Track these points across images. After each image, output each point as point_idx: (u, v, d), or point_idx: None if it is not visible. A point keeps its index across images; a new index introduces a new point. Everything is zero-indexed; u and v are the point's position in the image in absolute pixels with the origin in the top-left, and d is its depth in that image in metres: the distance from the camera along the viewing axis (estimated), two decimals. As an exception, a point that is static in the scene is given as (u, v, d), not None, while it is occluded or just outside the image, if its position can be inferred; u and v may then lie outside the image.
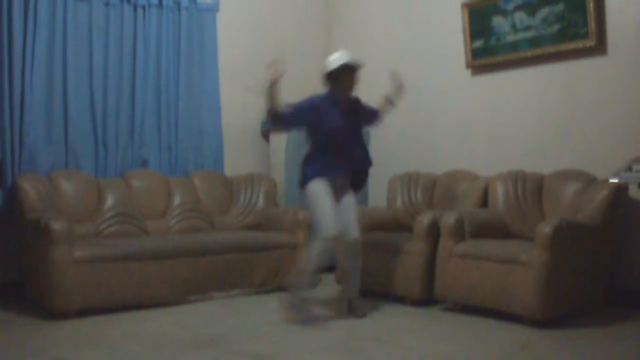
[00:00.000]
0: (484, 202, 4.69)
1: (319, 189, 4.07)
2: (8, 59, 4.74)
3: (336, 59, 4.13)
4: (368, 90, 6.09)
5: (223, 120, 5.71)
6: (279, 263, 4.93)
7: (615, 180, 3.77)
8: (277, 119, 4.09)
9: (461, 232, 4.26)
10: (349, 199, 4.21)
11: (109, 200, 4.88)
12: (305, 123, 4.16)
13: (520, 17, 4.80)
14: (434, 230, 4.40)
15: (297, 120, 4.15)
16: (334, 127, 4.09)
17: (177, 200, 5.19)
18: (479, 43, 5.08)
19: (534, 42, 4.73)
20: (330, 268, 5.45)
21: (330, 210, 4.03)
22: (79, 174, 4.93)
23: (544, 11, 4.65)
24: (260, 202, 5.47)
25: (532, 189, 4.55)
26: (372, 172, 5.98)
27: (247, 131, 5.89)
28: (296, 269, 4.17)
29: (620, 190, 4.06)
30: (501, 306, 3.96)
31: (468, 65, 5.20)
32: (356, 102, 4.32)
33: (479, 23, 5.06)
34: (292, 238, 4.96)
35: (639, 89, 4.28)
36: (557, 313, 3.85)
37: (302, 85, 5.71)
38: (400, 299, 4.52)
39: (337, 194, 4.17)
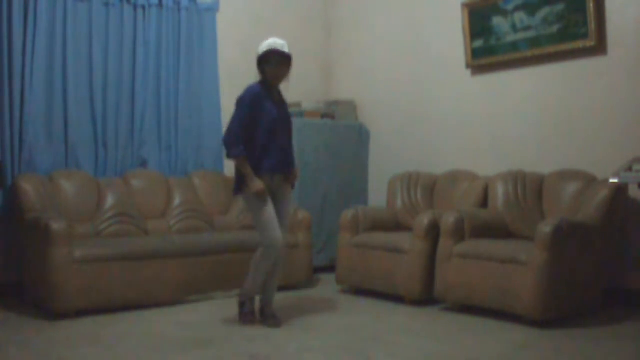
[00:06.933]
0: (484, 202, 4.69)
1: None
2: (8, 59, 4.74)
3: (267, 43, 3.87)
4: (368, 90, 6.13)
5: (223, 120, 5.69)
6: (279, 263, 4.93)
7: (615, 180, 3.78)
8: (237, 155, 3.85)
9: (461, 232, 4.26)
10: (286, 202, 4.00)
11: (109, 200, 4.88)
12: (249, 127, 3.86)
13: (520, 17, 4.80)
14: (434, 230, 4.40)
15: (248, 131, 3.84)
16: (268, 114, 3.83)
17: (177, 200, 5.18)
18: (479, 43, 5.08)
19: (534, 42, 4.73)
20: (330, 268, 5.48)
21: (273, 221, 3.81)
22: (79, 174, 4.92)
23: (544, 11, 4.65)
24: (260, 202, 5.46)
25: (532, 189, 4.55)
26: (372, 172, 6.05)
27: (247, 131, 5.88)
28: (248, 278, 3.96)
29: (620, 190, 4.06)
30: (501, 306, 3.96)
31: (468, 65, 5.20)
32: (285, 103, 4.08)
33: (479, 23, 5.06)
34: (292, 238, 4.95)
35: (639, 89, 4.28)
36: (557, 313, 3.85)
37: (302, 85, 5.71)
38: (400, 299, 4.52)
39: (275, 194, 3.95)
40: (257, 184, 3.80)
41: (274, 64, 3.86)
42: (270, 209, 3.84)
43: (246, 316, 3.97)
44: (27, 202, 4.46)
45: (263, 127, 3.85)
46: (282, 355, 3.37)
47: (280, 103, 4.01)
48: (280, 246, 3.84)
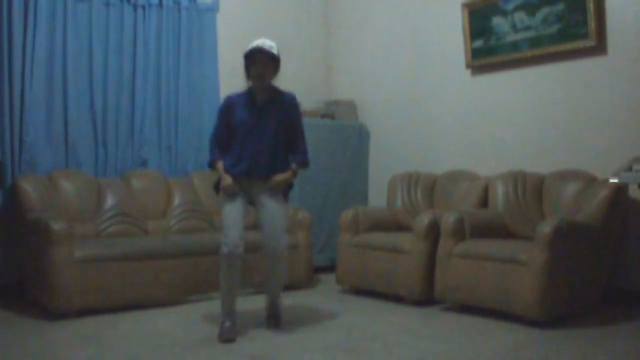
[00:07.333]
0: (484, 202, 4.69)
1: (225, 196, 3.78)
2: (8, 59, 4.74)
3: (254, 43, 3.77)
4: (368, 90, 6.13)
5: (223, 120, 5.70)
6: (279, 263, 4.93)
7: (615, 180, 3.78)
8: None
9: (461, 232, 4.26)
10: (269, 205, 3.79)
11: (109, 200, 4.88)
12: (228, 132, 3.87)
13: (520, 17, 4.80)
14: (434, 230, 4.40)
15: (225, 138, 3.88)
16: (238, 120, 3.80)
17: (177, 200, 5.19)
18: (479, 43, 5.08)
19: (534, 42, 4.73)
20: (330, 268, 5.48)
21: (231, 220, 3.67)
22: (79, 174, 4.93)
23: (544, 11, 4.65)
24: (260, 202, 5.46)
25: (532, 189, 4.55)
26: (372, 172, 6.05)
27: (247, 131, 5.88)
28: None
29: (620, 190, 4.06)
30: (501, 306, 3.96)
31: (468, 65, 5.20)
32: (289, 105, 3.89)
33: (479, 23, 5.06)
34: (292, 238, 4.95)
35: (639, 89, 4.28)
36: (557, 313, 3.85)
37: (302, 85, 5.72)
38: (400, 299, 4.52)
39: (256, 197, 3.83)
40: (225, 179, 3.78)
41: (257, 64, 3.78)
42: (231, 211, 3.72)
43: (221, 333, 3.62)
44: (27, 202, 4.46)
45: (235, 133, 3.84)
46: (282, 355, 3.36)
47: (265, 107, 3.84)
48: (230, 249, 3.60)
